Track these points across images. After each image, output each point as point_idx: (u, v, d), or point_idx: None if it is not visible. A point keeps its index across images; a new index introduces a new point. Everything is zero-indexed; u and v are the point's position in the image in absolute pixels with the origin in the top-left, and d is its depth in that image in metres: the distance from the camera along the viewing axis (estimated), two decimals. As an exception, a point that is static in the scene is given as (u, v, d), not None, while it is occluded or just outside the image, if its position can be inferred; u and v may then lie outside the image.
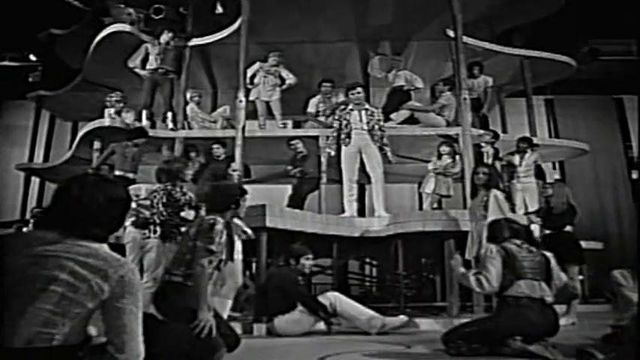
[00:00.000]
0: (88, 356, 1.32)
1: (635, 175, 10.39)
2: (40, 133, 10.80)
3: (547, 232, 4.93)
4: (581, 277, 5.69)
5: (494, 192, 4.32)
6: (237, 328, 3.79)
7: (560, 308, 4.76)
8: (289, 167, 6.60)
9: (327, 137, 6.10)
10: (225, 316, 4.07)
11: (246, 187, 5.31)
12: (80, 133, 6.98)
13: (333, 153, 5.91)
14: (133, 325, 1.34)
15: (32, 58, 10.40)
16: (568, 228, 4.93)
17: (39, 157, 10.97)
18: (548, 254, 3.06)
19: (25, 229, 7.37)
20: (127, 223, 4.28)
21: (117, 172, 6.08)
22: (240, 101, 6.27)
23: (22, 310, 1.23)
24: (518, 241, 3.07)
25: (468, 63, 7.12)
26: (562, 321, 4.26)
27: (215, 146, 6.63)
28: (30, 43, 10.14)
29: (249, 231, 4.49)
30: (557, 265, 3.07)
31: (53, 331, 1.25)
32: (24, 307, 1.24)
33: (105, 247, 1.38)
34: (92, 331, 1.40)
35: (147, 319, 1.47)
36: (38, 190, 10.66)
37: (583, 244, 4.83)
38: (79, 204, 1.38)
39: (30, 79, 10.27)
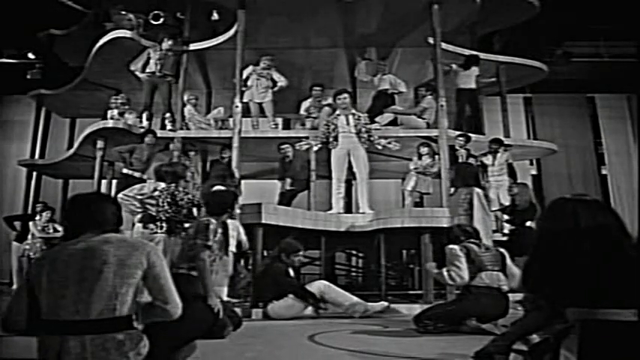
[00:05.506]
0: (140, 312, 1.77)
1: (604, 171, 11.03)
2: (39, 129, 11.15)
3: (512, 227, 5.49)
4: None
5: (476, 190, 4.66)
6: (239, 312, 4.31)
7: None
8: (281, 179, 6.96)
9: (314, 136, 6.43)
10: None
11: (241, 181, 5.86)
12: (85, 132, 7.34)
13: (315, 148, 6.28)
14: (168, 284, 1.81)
15: (30, 56, 10.69)
16: (529, 223, 5.50)
17: (36, 153, 11.32)
18: (502, 250, 3.65)
19: (31, 223, 7.81)
20: (136, 219, 4.79)
21: (124, 170, 6.46)
22: (237, 107, 6.74)
23: (90, 289, 1.68)
24: (475, 241, 3.66)
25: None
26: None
27: (225, 153, 7.04)
28: (28, 42, 10.41)
29: (243, 239, 4.91)
30: (510, 260, 3.67)
31: (116, 302, 1.69)
32: (92, 286, 1.68)
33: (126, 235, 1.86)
34: (143, 298, 1.90)
35: None
36: (35, 185, 11.03)
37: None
38: (92, 212, 1.87)
39: (28, 77, 10.56)
